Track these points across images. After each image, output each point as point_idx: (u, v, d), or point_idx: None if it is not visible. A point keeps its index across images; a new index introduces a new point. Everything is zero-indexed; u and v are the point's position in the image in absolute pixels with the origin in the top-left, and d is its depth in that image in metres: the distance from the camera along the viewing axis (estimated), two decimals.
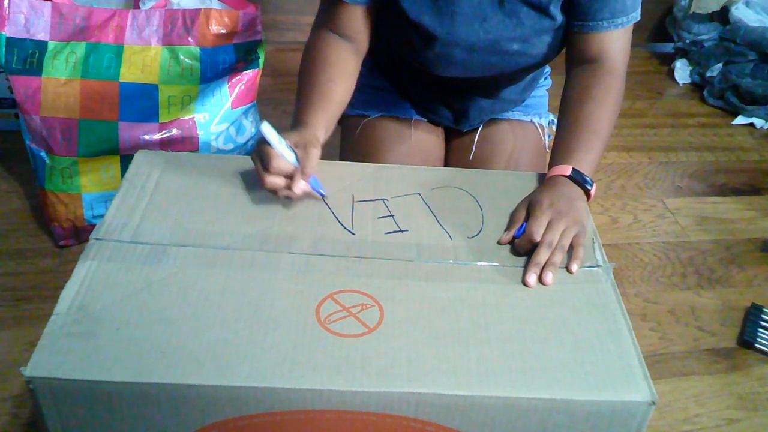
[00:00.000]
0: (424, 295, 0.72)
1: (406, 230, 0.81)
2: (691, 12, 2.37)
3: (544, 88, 1.24)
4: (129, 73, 1.36)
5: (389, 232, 0.80)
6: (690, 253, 1.58)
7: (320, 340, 0.66)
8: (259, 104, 1.49)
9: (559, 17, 0.94)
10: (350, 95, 0.96)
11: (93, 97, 1.34)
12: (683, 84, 2.35)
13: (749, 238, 1.65)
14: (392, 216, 0.83)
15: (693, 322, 1.40)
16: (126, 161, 1.35)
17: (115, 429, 0.63)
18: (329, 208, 0.83)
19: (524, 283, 0.74)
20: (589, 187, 0.85)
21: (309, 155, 0.81)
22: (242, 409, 0.62)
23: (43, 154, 1.34)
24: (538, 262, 0.75)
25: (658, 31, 2.53)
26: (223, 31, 1.39)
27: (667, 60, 2.47)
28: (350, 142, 1.17)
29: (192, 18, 1.37)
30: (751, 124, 2.14)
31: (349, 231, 0.80)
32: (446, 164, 1.19)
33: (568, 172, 0.85)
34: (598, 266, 0.78)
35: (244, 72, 1.42)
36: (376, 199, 0.85)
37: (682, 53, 2.41)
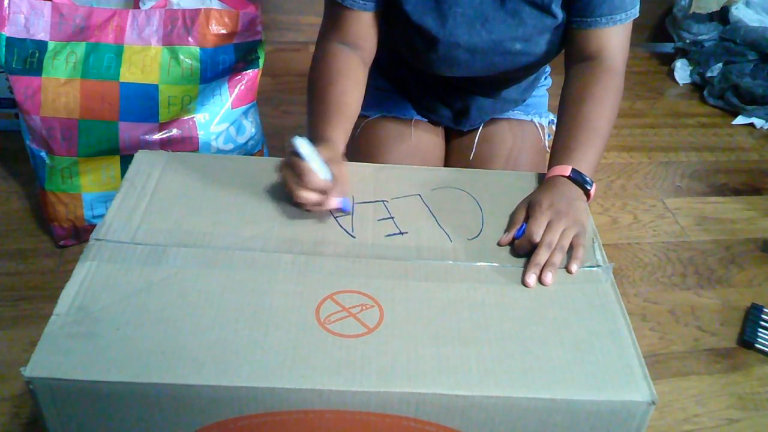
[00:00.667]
0: (424, 295, 0.72)
1: (406, 232, 0.81)
2: (691, 12, 2.37)
3: (544, 88, 1.24)
4: (129, 73, 1.36)
5: (389, 235, 0.80)
6: (690, 253, 1.58)
7: (320, 340, 0.66)
8: (259, 104, 1.49)
9: (560, 15, 0.94)
10: (360, 107, 0.95)
11: (93, 97, 1.34)
12: (683, 84, 2.35)
13: (749, 238, 1.65)
14: (392, 218, 0.83)
15: (693, 322, 1.40)
16: (126, 161, 1.35)
17: (115, 429, 0.64)
18: (329, 210, 0.83)
19: (524, 283, 0.74)
20: (588, 187, 0.85)
21: (343, 172, 0.81)
22: (242, 409, 0.62)
23: (43, 154, 1.34)
24: (537, 263, 0.75)
25: (658, 31, 2.54)
26: (223, 31, 1.39)
27: (667, 60, 2.47)
28: (350, 143, 1.17)
29: (192, 18, 1.37)
30: (751, 124, 2.14)
31: (350, 234, 0.80)
32: (447, 164, 1.19)
33: (568, 173, 0.85)
34: (598, 266, 0.78)
35: (244, 72, 1.42)
36: (376, 201, 0.85)
37: (682, 53, 2.41)
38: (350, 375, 0.62)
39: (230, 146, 1.44)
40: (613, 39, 0.94)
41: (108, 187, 1.38)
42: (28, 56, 1.32)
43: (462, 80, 1.07)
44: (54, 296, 0.67)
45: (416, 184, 0.89)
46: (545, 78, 1.24)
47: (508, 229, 0.81)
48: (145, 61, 1.37)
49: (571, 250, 0.78)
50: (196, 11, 1.37)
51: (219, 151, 1.43)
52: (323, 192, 0.78)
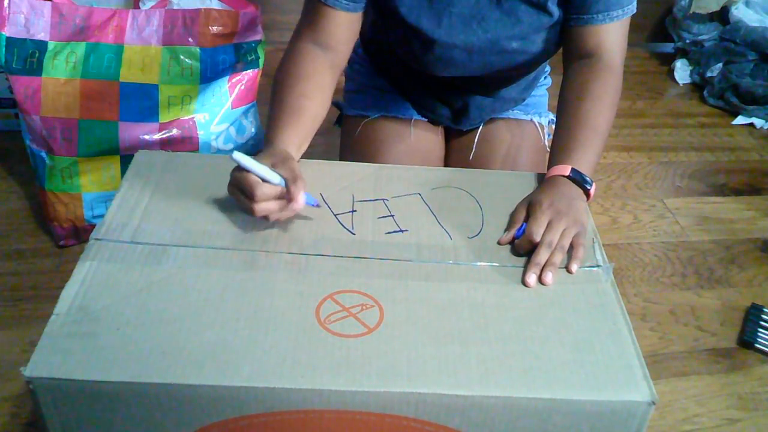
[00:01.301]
0: (424, 295, 0.72)
1: (406, 230, 0.81)
2: (691, 12, 2.37)
3: (544, 87, 1.24)
4: (129, 73, 1.36)
5: (389, 233, 0.80)
6: (690, 253, 1.58)
7: (320, 340, 0.66)
8: (259, 104, 1.49)
9: (557, 12, 0.94)
10: (326, 109, 0.92)
11: (93, 97, 1.34)
12: (683, 84, 2.35)
13: (749, 238, 1.65)
14: (392, 216, 0.83)
15: (693, 322, 1.40)
16: (126, 161, 1.35)
17: (115, 429, 0.63)
18: (329, 208, 0.83)
19: (524, 283, 0.74)
20: (588, 187, 0.85)
21: (292, 169, 0.77)
22: (242, 409, 0.62)
23: (43, 154, 1.34)
24: (537, 263, 0.75)
25: (658, 31, 2.54)
26: (223, 31, 1.39)
27: (667, 60, 2.47)
28: (350, 143, 1.17)
29: (192, 18, 1.37)
30: (751, 124, 2.14)
31: (350, 231, 0.80)
32: (446, 164, 1.19)
33: (567, 172, 0.85)
34: (598, 266, 0.78)
35: (244, 72, 1.42)
36: (376, 199, 0.85)
37: (682, 53, 2.41)
38: (350, 375, 0.62)
39: (230, 146, 1.44)
40: (611, 36, 0.94)
41: (108, 187, 1.38)
42: (28, 56, 1.32)
43: (460, 80, 1.06)
44: (54, 296, 0.67)
45: (416, 184, 0.89)
46: (545, 77, 1.24)
47: (508, 229, 0.81)
48: (145, 61, 1.37)
49: (571, 250, 0.78)
50: (196, 11, 1.37)
51: (219, 151, 1.43)
52: (280, 198, 0.75)
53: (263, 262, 0.74)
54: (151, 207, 0.80)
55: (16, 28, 1.31)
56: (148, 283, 0.70)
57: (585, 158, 0.87)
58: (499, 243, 0.80)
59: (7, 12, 1.30)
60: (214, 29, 1.38)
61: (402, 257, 0.76)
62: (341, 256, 0.76)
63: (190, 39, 1.38)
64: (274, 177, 0.75)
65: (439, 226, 0.82)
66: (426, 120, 1.18)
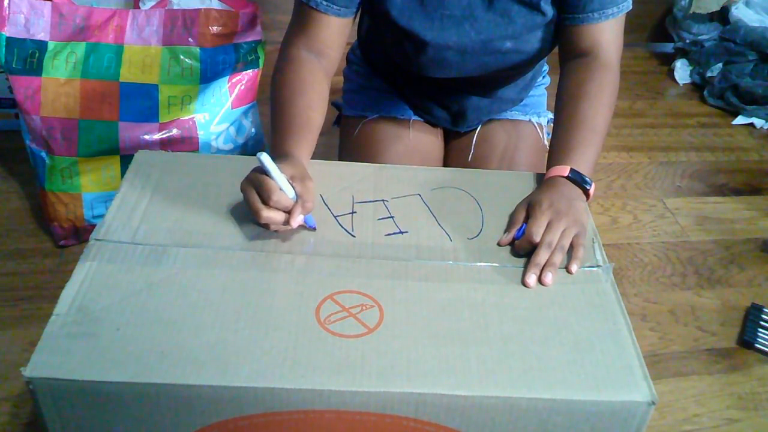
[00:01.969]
0: (424, 295, 0.72)
1: (406, 232, 0.81)
2: (691, 12, 2.37)
3: (542, 87, 1.24)
4: (129, 73, 1.36)
5: (389, 234, 0.80)
6: (690, 253, 1.58)
7: (320, 340, 0.66)
8: (259, 104, 1.49)
9: (550, 12, 0.94)
10: (324, 119, 0.92)
11: (93, 97, 1.34)
12: (683, 84, 2.35)
13: (749, 238, 1.65)
14: (392, 217, 0.83)
15: (693, 322, 1.40)
16: (126, 161, 1.35)
17: (115, 429, 0.64)
18: (329, 209, 0.83)
19: (524, 283, 0.74)
20: (588, 187, 0.85)
21: (308, 189, 0.77)
22: (242, 409, 0.62)
23: (43, 154, 1.34)
24: (537, 263, 0.75)
25: (658, 31, 2.54)
26: (223, 31, 1.39)
27: (667, 60, 2.47)
28: (349, 143, 1.17)
29: (192, 18, 1.37)
30: (751, 124, 2.14)
31: (350, 233, 0.80)
32: (445, 164, 1.19)
33: (567, 173, 0.85)
34: (598, 266, 0.78)
35: (244, 72, 1.42)
36: (376, 200, 0.85)
37: (682, 53, 2.41)
38: (350, 375, 0.62)
39: (230, 146, 1.44)
40: (607, 34, 0.94)
41: (108, 187, 1.38)
42: (28, 56, 1.32)
43: (456, 81, 1.06)
44: (54, 296, 0.67)
45: (416, 184, 0.88)
46: (543, 77, 1.24)
47: (508, 229, 0.81)
48: (145, 61, 1.37)
49: (571, 250, 0.78)
50: (196, 11, 1.37)
51: (219, 151, 1.43)
52: (288, 211, 0.75)
53: (263, 262, 0.74)
54: (151, 207, 0.80)
55: (16, 28, 1.31)
56: (148, 283, 0.70)
57: (584, 158, 0.87)
58: (499, 244, 0.80)
59: (7, 12, 1.30)
60: (214, 29, 1.38)
61: (402, 258, 0.76)
62: (341, 257, 0.76)
63: (190, 39, 1.38)
64: (290, 191, 0.76)
65: (439, 227, 0.82)
66: (424, 121, 1.18)
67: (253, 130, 1.47)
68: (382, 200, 0.85)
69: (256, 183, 0.76)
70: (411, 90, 1.16)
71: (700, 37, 2.37)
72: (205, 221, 0.79)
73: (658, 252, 1.58)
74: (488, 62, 1.00)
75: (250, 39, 1.42)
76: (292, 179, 0.77)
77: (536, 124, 1.18)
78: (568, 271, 0.76)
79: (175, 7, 1.42)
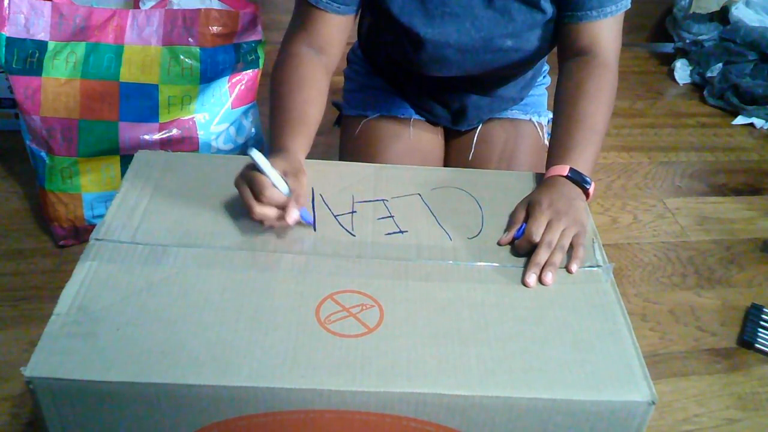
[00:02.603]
0: (424, 295, 0.72)
1: (406, 231, 0.81)
2: (691, 12, 2.37)
3: (543, 87, 1.24)
4: (129, 73, 1.36)
5: (389, 234, 0.80)
6: (690, 253, 1.58)
7: (320, 340, 0.66)
8: (259, 104, 1.49)
9: (550, 10, 0.94)
10: (321, 116, 0.92)
11: (93, 97, 1.34)
12: (683, 84, 2.35)
13: (749, 238, 1.65)
14: (392, 217, 0.83)
15: (693, 322, 1.40)
16: (126, 161, 1.35)
17: (115, 429, 0.64)
18: (329, 209, 0.83)
19: (524, 283, 0.74)
20: (587, 186, 0.85)
21: (301, 184, 0.78)
22: (242, 409, 0.62)
23: (43, 154, 1.34)
24: (537, 263, 0.75)
25: (658, 31, 2.54)
26: (223, 31, 1.39)
27: (667, 60, 2.47)
28: (350, 143, 1.17)
29: (192, 18, 1.37)
30: (751, 124, 2.14)
31: (350, 232, 0.80)
32: (446, 163, 1.19)
33: (566, 172, 0.85)
34: (598, 266, 0.78)
35: (244, 72, 1.42)
36: (376, 200, 0.85)
37: (682, 53, 2.41)
38: (350, 375, 0.62)
39: (230, 146, 1.44)
40: (605, 32, 0.93)
41: (108, 187, 1.38)
42: (28, 56, 1.32)
43: (456, 80, 1.06)
44: (54, 296, 0.67)
45: (416, 184, 0.88)
46: (543, 77, 1.24)
47: (507, 229, 0.81)
48: (145, 61, 1.37)
49: (571, 250, 0.78)
50: (196, 11, 1.37)
51: (219, 151, 1.43)
52: (281, 207, 0.75)
53: (263, 262, 0.74)
54: (151, 207, 0.80)
55: (16, 28, 1.31)
56: (148, 283, 0.70)
57: (583, 158, 0.87)
58: (499, 243, 0.80)
59: (7, 12, 1.30)
60: (214, 29, 1.38)
61: (402, 257, 0.76)
62: (341, 257, 0.76)
63: (190, 39, 1.38)
64: (284, 187, 0.76)
65: (439, 227, 0.82)
66: (425, 120, 1.18)
67: (253, 130, 1.47)
68: (382, 200, 0.85)
69: (249, 179, 0.76)
70: (411, 88, 1.16)
71: (700, 37, 2.37)
72: (205, 221, 0.79)
73: (658, 252, 1.58)
74: (488, 60, 1.00)
75: (250, 39, 1.42)
76: (285, 174, 0.77)
77: (537, 124, 1.18)
78: (568, 271, 0.76)
79: (175, 7, 1.42)
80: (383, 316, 0.69)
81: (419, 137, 1.15)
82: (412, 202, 0.85)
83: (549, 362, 0.65)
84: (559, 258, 0.76)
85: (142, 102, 1.36)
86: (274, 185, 0.75)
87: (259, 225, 0.78)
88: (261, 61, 1.43)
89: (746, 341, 1.34)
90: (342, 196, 0.85)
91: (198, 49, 1.39)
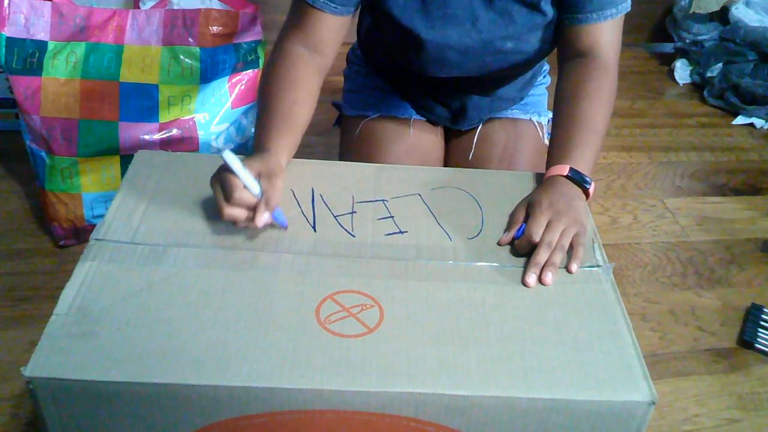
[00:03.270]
0: (424, 295, 0.72)
1: (406, 231, 0.81)
2: (691, 12, 2.38)
3: (543, 86, 1.24)
4: (129, 73, 1.36)
5: (389, 234, 0.80)
6: (690, 253, 1.58)
7: (320, 340, 0.66)
8: None
9: (550, 12, 0.94)
10: (311, 118, 0.91)
11: (93, 97, 1.34)
12: (683, 84, 2.35)
13: (749, 238, 1.65)
14: (392, 217, 0.83)
15: (693, 322, 1.40)
16: (126, 161, 1.35)
17: (115, 429, 0.64)
18: (329, 209, 0.83)
19: (524, 283, 0.74)
20: (587, 186, 0.85)
21: (274, 186, 0.76)
22: (242, 409, 0.62)
23: (43, 154, 1.34)
24: (537, 263, 0.75)
25: (658, 31, 2.54)
26: (223, 31, 1.39)
27: (667, 60, 2.47)
28: (350, 143, 1.17)
29: (192, 18, 1.37)
30: (751, 124, 2.14)
31: (350, 233, 0.80)
32: (446, 163, 1.19)
33: (566, 172, 0.85)
34: (598, 266, 0.78)
35: (244, 72, 1.42)
36: (376, 200, 0.85)
37: (682, 53, 2.41)
38: (350, 375, 0.62)
39: (230, 146, 1.44)
40: (605, 34, 0.94)
41: (108, 187, 1.38)
42: (28, 56, 1.32)
43: (456, 80, 1.06)
44: (54, 296, 0.67)
45: (416, 184, 0.88)
46: (543, 77, 1.24)
47: (507, 229, 0.81)
48: (145, 61, 1.37)
49: (571, 250, 0.78)
50: (196, 11, 1.37)
51: (219, 151, 1.43)
52: (252, 208, 0.75)
53: (263, 262, 0.74)
54: (151, 207, 0.80)
55: (16, 28, 1.31)
56: (148, 283, 0.70)
57: (583, 158, 0.87)
58: (498, 243, 0.80)
59: (7, 12, 1.30)
60: (214, 29, 1.38)
61: (402, 257, 0.76)
62: (341, 257, 0.76)
63: (190, 39, 1.38)
64: (255, 188, 0.75)
65: (439, 227, 0.82)
66: (425, 120, 1.18)
67: (253, 130, 1.47)
68: (382, 200, 0.85)
69: (221, 180, 0.76)
70: (411, 88, 1.16)
71: (700, 37, 2.37)
72: (205, 221, 0.79)
73: (658, 252, 1.58)
74: (488, 62, 1.00)
75: (250, 39, 1.42)
76: (259, 176, 0.77)
77: (537, 124, 1.18)
78: (568, 271, 0.76)
79: (175, 7, 1.42)
80: (383, 316, 0.69)
81: (419, 137, 1.15)
82: (412, 202, 0.85)
83: (549, 362, 0.65)
84: (559, 258, 0.76)
85: (142, 102, 1.36)
86: (245, 186, 0.75)
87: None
88: (261, 61, 1.43)
89: (746, 341, 1.34)
90: (342, 196, 0.85)
91: (198, 49, 1.39)
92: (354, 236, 0.79)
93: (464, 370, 0.64)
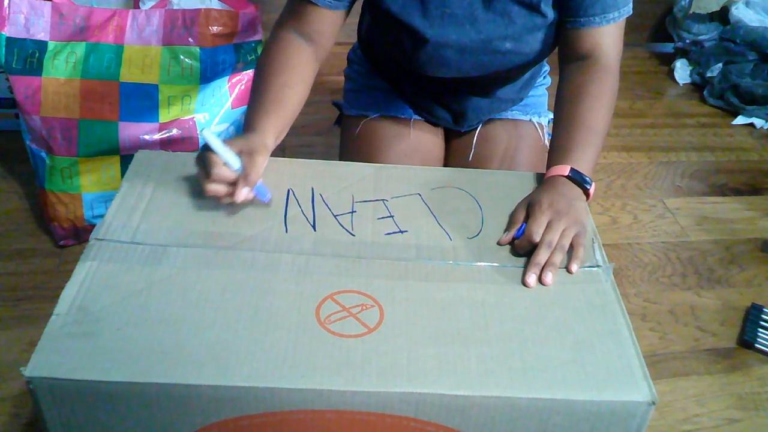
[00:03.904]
0: (424, 295, 0.72)
1: (406, 231, 0.81)
2: (691, 12, 2.38)
3: (543, 87, 1.24)
4: (129, 73, 1.36)
5: (389, 233, 0.80)
6: (690, 253, 1.58)
7: (320, 340, 0.66)
8: None
9: (551, 14, 0.94)
10: (304, 101, 0.92)
11: (93, 97, 1.34)
12: (683, 84, 2.35)
13: (749, 238, 1.65)
14: (392, 217, 0.83)
15: (693, 322, 1.40)
16: (126, 161, 1.35)
17: (115, 429, 0.64)
18: (329, 209, 0.83)
19: (524, 283, 0.74)
20: (588, 187, 0.85)
21: (254, 162, 0.78)
22: (242, 409, 0.62)
23: (43, 154, 1.34)
24: (537, 263, 0.75)
25: (658, 31, 2.54)
26: (223, 31, 1.39)
27: (667, 60, 2.47)
28: (350, 143, 1.17)
29: (192, 18, 1.37)
30: (751, 124, 2.14)
31: (349, 232, 0.80)
32: (446, 164, 1.19)
33: (567, 172, 0.85)
34: (598, 266, 0.78)
35: (244, 72, 1.42)
36: (376, 200, 0.85)
37: (682, 53, 2.41)
38: (350, 375, 0.62)
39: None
40: (607, 38, 0.94)
41: (108, 187, 1.38)
42: (28, 56, 1.32)
43: (455, 81, 1.06)
44: (54, 296, 0.67)
45: (416, 184, 0.88)
46: (543, 77, 1.24)
47: (508, 229, 0.81)
48: (145, 61, 1.37)
49: (571, 250, 0.78)
50: (196, 11, 1.37)
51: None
52: (233, 184, 0.78)
53: (263, 262, 0.74)
54: (151, 207, 0.80)
55: (16, 28, 1.31)
56: (148, 283, 0.70)
57: (584, 158, 0.87)
58: (499, 243, 0.80)
59: (7, 12, 1.30)
60: (214, 29, 1.38)
61: (402, 258, 0.76)
62: (341, 257, 0.76)
63: (190, 39, 1.38)
64: (235, 163, 0.78)
65: (439, 227, 0.82)
66: (425, 120, 1.18)
67: None
68: (382, 200, 0.85)
69: (202, 158, 0.79)
70: (411, 89, 1.16)
71: (700, 37, 2.37)
72: (205, 221, 0.79)
73: (658, 252, 1.58)
74: (487, 62, 1.00)
75: (250, 39, 1.42)
76: (240, 153, 0.79)
77: (537, 124, 1.18)
78: (569, 271, 0.76)
79: (175, 7, 1.42)
80: (383, 316, 0.69)
81: (419, 137, 1.15)
82: (412, 202, 0.85)
83: (549, 362, 0.65)
84: (559, 258, 0.76)
85: (142, 102, 1.36)
86: (225, 163, 0.77)
87: (262, 223, 0.79)
88: None
89: (746, 341, 1.34)
90: (342, 196, 0.85)
91: (198, 49, 1.39)
92: (354, 235, 0.79)
93: (464, 370, 0.64)
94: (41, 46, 1.33)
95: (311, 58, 0.94)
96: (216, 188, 0.78)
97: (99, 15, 1.35)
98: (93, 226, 1.18)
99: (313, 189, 0.86)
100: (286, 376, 0.62)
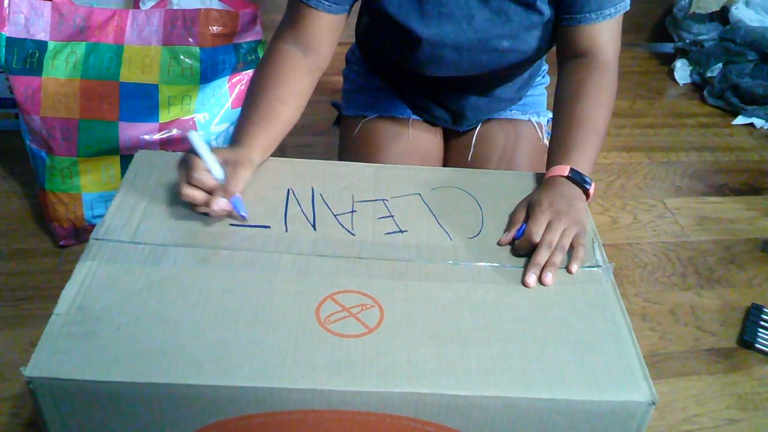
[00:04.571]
0: (424, 295, 0.72)
1: (406, 231, 0.81)
2: (691, 12, 2.38)
3: (542, 86, 1.24)
4: (129, 73, 1.36)
5: (389, 233, 0.80)
6: (690, 253, 1.58)
7: (320, 340, 0.66)
8: None
9: (547, 12, 0.94)
10: (299, 115, 0.91)
11: (93, 97, 1.34)
12: (683, 84, 2.35)
13: (749, 238, 1.65)
14: (392, 216, 0.83)
15: (693, 322, 1.40)
16: (126, 161, 1.35)
17: (115, 429, 0.64)
18: (329, 208, 0.83)
19: (524, 283, 0.74)
20: (588, 187, 0.85)
21: (236, 174, 0.77)
22: (242, 409, 0.62)
23: (43, 154, 1.34)
24: (537, 263, 0.75)
25: (658, 31, 2.54)
26: (223, 31, 1.39)
27: (667, 60, 2.47)
28: (349, 143, 1.18)
29: (192, 18, 1.37)
30: (751, 124, 2.14)
31: (349, 232, 0.80)
32: (445, 164, 1.19)
33: (567, 172, 0.85)
34: (598, 266, 0.78)
35: (244, 72, 1.42)
36: (376, 200, 0.85)
37: (682, 53, 2.41)
38: (350, 375, 0.62)
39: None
40: (604, 34, 0.94)
41: (108, 187, 1.38)
42: (28, 56, 1.32)
43: (454, 80, 1.06)
44: (54, 296, 0.67)
45: (416, 184, 0.88)
46: (542, 76, 1.24)
47: (508, 229, 0.81)
48: (145, 61, 1.37)
49: (571, 250, 0.78)
50: (196, 11, 1.37)
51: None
52: (210, 192, 0.76)
53: (263, 262, 0.74)
54: (151, 207, 0.80)
55: (16, 28, 1.31)
56: (148, 283, 0.70)
57: (584, 158, 0.87)
58: (499, 243, 0.80)
59: (7, 12, 1.30)
60: (214, 29, 1.38)
61: (402, 257, 0.76)
62: (341, 257, 0.76)
63: (190, 39, 1.38)
64: (218, 172, 0.76)
65: (439, 227, 0.82)
66: (424, 120, 1.18)
67: None
68: (382, 199, 0.85)
69: (185, 160, 0.77)
70: (410, 89, 1.16)
71: (700, 37, 2.37)
72: (205, 221, 0.79)
73: (658, 252, 1.58)
74: (485, 61, 1.00)
75: (250, 39, 1.42)
76: (224, 163, 0.77)
77: (536, 124, 1.18)
78: (569, 271, 0.76)
79: (175, 7, 1.42)
80: (383, 316, 0.69)
81: (418, 137, 1.15)
82: (412, 202, 0.85)
83: (549, 362, 0.65)
84: (560, 258, 0.76)
85: (142, 102, 1.36)
86: (208, 170, 0.76)
87: (262, 223, 0.78)
88: None
89: (746, 341, 1.34)
90: (342, 195, 0.85)
91: (198, 49, 1.39)
92: (354, 235, 0.79)
93: (464, 370, 0.64)
94: (41, 46, 1.33)
95: (306, 70, 0.92)
96: (193, 193, 0.76)
97: (99, 15, 1.35)
98: (93, 226, 1.18)
99: (313, 189, 0.86)
100: (286, 376, 0.62)
